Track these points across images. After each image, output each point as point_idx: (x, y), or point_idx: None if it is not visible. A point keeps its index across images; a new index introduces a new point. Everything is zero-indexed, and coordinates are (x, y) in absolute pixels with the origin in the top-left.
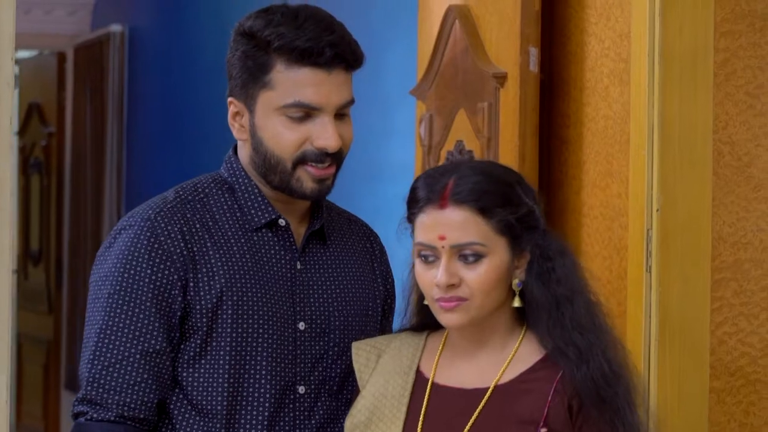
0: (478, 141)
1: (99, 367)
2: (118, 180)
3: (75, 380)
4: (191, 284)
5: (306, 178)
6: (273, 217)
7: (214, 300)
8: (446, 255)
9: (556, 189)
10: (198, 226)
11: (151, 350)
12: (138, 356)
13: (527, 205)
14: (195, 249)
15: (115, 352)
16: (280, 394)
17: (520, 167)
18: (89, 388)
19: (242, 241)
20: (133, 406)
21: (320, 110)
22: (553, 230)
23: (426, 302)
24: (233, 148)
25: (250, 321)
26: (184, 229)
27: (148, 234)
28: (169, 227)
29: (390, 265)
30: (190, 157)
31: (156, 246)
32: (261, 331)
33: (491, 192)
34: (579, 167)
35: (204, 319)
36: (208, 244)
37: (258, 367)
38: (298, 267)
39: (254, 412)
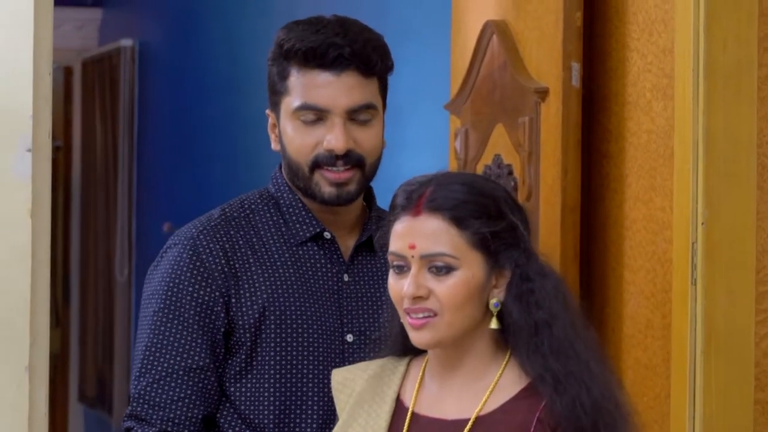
0: (518, 155)
1: (144, 383)
2: (129, 194)
3: (87, 393)
4: (233, 300)
5: (323, 182)
6: (318, 230)
7: (257, 315)
8: (416, 265)
9: (597, 203)
10: (241, 242)
11: (194, 366)
12: (181, 372)
13: (508, 221)
14: (237, 266)
15: (159, 368)
16: (329, 405)
17: (562, 181)
18: (135, 403)
19: (286, 255)
20: (177, 421)
21: (330, 113)
22: (536, 251)
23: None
24: (280, 163)
25: (295, 335)
26: (227, 246)
27: (191, 252)
28: (211, 245)
29: None
30: (202, 172)
31: (198, 264)
32: (306, 344)
33: (468, 202)
34: (621, 181)
35: (247, 335)
36: (251, 260)
37: (305, 380)
38: (346, 279)
39: (303, 425)
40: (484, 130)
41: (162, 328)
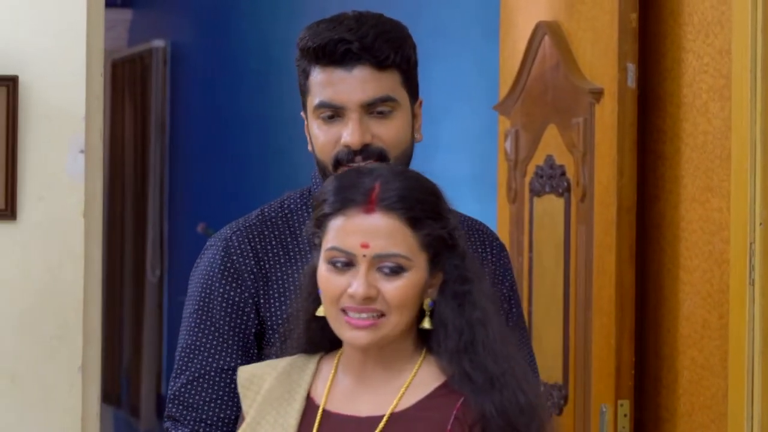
0: (572, 156)
1: (179, 384)
2: (160, 195)
3: (112, 394)
4: (262, 301)
5: None
6: None
7: (284, 316)
8: (366, 264)
9: (651, 203)
10: (274, 243)
11: (226, 367)
12: (213, 374)
13: (450, 221)
14: (267, 267)
15: (192, 369)
16: None
17: (618, 182)
18: (170, 404)
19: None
20: (209, 422)
21: (346, 108)
22: (468, 251)
23: (321, 314)
24: None
25: None
26: (258, 247)
27: (223, 253)
28: (242, 246)
29: (511, 269)
30: (235, 172)
31: (229, 265)
32: None
33: (421, 202)
34: (676, 182)
35: (277, 335)
36: (282, 261)
37: None
38: None
39: None
40: (535, 131)
41: (195, 330)
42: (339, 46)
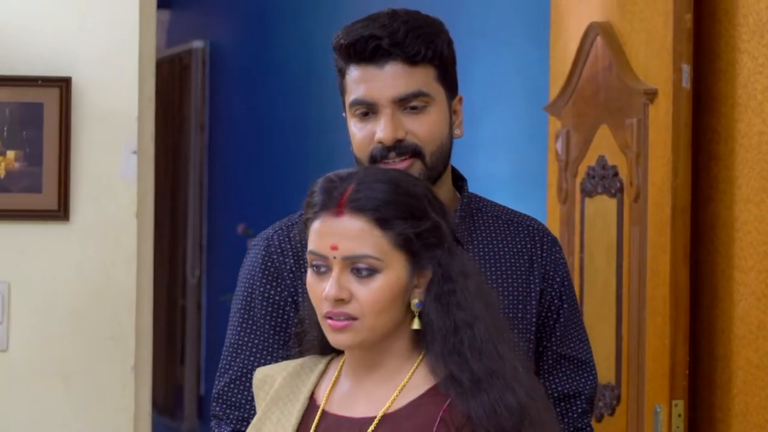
0: (625, 156)
1: (222, 383)
2: (200, 196)
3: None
4: (300, 300)
5: None
6: None
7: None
8: (338, 267)
9: (705, 204)
10: None
11: None
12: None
13: (432, 220)
14: (306, 265)
15: (236, 368)
16: None
17: (672, 182)
18: (214, 403)
19: None
20: (251, 421)
21: (378, 105)
22: (459, 249)
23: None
24: None
25: None
26: (297, 246)
27: (264, 253)
28: (283, 245)
29: (564, 264)
30: (275, 174)
31: (269, 264)
32: None
33: (393, 202)
34: (731, 182)
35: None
36: None
37: None
38: None
39: None
40: (586, 132)
41: (239, 329)
42: (369, 42)
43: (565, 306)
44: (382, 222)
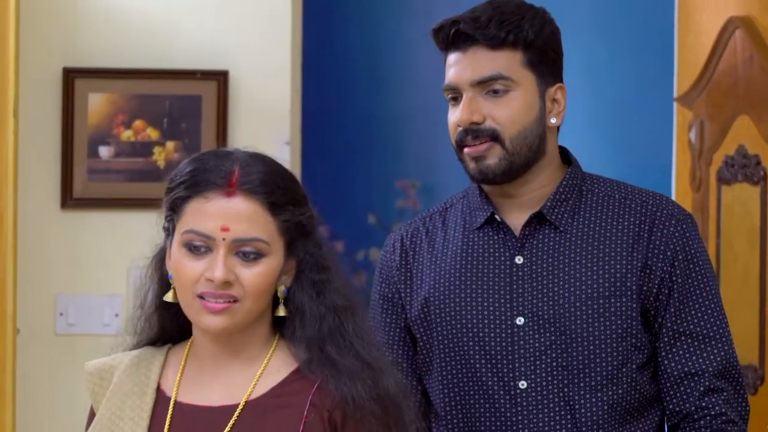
0: None
1: None
2: None
3: None
4: (404, 295)
5: (467, 159)
6: (488, 214)
7: (419, 307)
8: (225, 248)
9: None
10: (423, 237)
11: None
12: None
13: (310, 208)
14: (411, 261)
15: None
16: (503, 390)
17: None
18: None
19: (459, 243)
20: None
21: (460, 89)
22: (324, 241)
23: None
24: None
25: (455, 323)
26: (407, 243)
27: (383, 251)
28: (396, 243)
29: (683, 238)
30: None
31: (385, 261)
32: (469, 331)
33: (282, 188)
34: None
35: (417, 328)
36: (425, 254)
37: (469, 367)
38: (519, 261)
39: (477, 413)
40: (723, 122)
41: (370, 324)
42: (452, 27)
43: (679, 281)
44: (273, 206)
